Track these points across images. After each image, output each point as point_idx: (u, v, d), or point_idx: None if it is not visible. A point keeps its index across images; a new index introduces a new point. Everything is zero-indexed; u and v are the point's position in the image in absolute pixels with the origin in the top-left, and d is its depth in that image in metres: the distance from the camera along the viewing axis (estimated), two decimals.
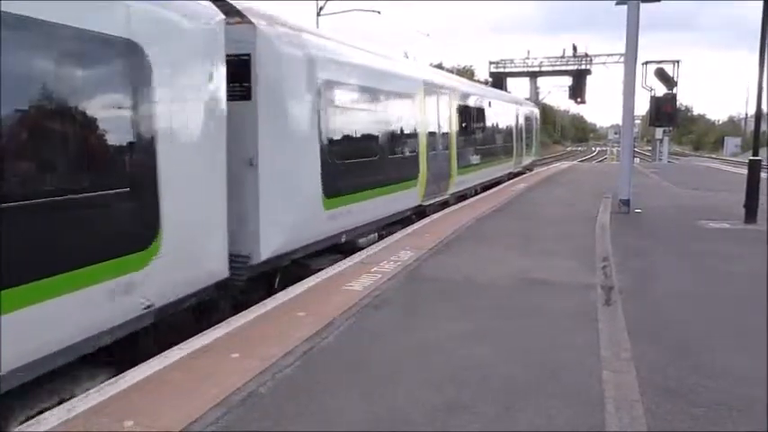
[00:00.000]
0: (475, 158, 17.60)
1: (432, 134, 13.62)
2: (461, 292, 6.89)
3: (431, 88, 13.76)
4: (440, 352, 5.01)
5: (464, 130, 16.44)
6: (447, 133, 14.91)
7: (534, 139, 29.22)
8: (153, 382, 4.39)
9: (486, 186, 19.18)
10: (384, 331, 5.54)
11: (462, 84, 18.55)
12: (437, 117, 14.15)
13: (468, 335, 5.44)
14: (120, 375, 4.55)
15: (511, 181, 22.62)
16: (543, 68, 66.46)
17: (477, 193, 17.80)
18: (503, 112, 21.85)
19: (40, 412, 4.15)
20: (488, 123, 19.29)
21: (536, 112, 30.26)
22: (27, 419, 4.13)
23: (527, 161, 27.05)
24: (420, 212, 13.13)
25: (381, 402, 4.09)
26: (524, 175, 25.38)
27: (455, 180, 15.65)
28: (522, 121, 25.43)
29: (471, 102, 17.50)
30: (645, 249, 9.42)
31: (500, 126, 21.32)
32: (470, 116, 17.06)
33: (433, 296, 6.69)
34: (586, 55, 61.60)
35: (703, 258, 8.84)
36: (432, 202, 13.68)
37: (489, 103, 19.50)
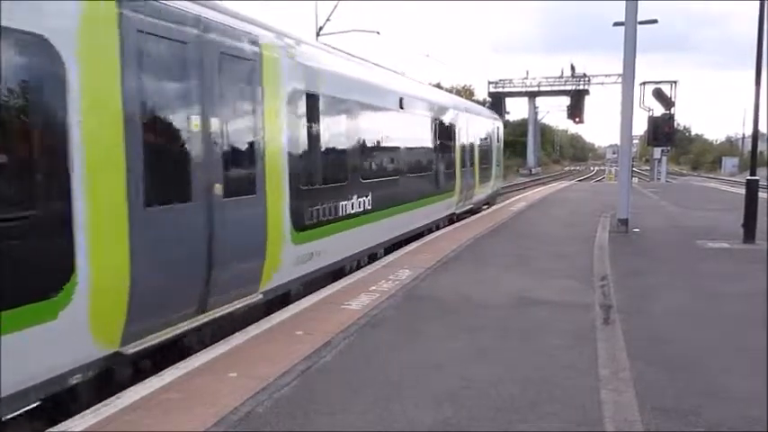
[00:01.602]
0: (345, 204, 8.96)
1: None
2: (459, 311, 6.88)
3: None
4: (438, 371, 5.00)
5: (318, 150, 8.14)
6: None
7: (494, 161, 21.46)
8: (151, 402, 4.37)
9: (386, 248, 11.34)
10: (382, 350, 5.52)
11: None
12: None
13: (466, 354, 5.43)
14: (117, 395, 4.53)
15: (508, 201, 22.65)
16: (542, 88, 67.03)
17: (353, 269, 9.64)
18: (428, 122, 13.69)
19: None
20: (395, 139, 11.43)
21: (499, 125, 22.90)
22: None
23: (482, 194, 19.52)
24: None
25: (379, 422, 4.07)
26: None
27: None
28: (472, 137, 17.68)
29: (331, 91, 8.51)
30: (643, 269, 9.42)
31: (426, 145, 13.55)
32: (338, 125, 8.91)
33: (431, 315, 6.68)
34: (584, 75, 62.20)
35: (702, 278, 8.84)
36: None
37: (400, 101, 11.66)
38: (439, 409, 4.25)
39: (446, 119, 15.11)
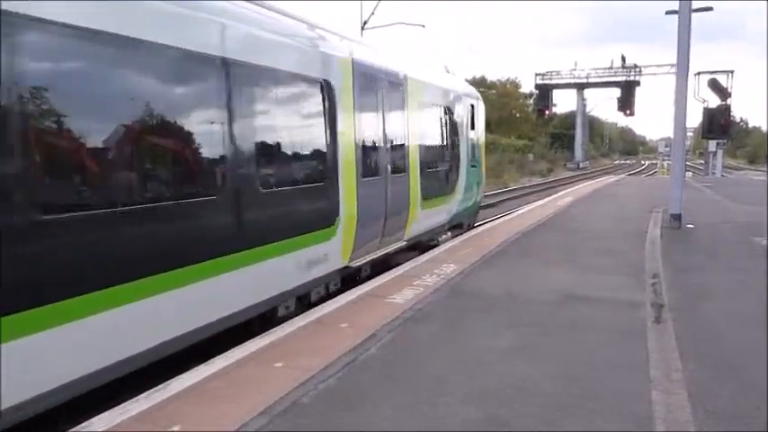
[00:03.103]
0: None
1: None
2: (504, 306, 6.81)
3: None
4: (481, 366, 4.96)
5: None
6: None
7: (463, 161, 12.85)
8: (198, 390, 4.47)
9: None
10: (426, 344, 5.52)
11: None
12: None
13: (511, 350, 5.37)
14: (167, 382, 4.65)
15: (555, 196, 22.26)
16: (591, 80, 65.51)
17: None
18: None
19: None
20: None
21: (474, 102, 13.95)
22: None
23: (436, 218, 11.44)
24: None
25: (422, 416, 4.06)
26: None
27: None
28: (433, 120, 11.54)
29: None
30: (697, 266, 9.13)
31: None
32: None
33: (476, 310, 6.63)
34: (635, 66, 60.44)
35: (758, 276, 8.50)
36: None
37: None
38: (483, 405, 4.21)
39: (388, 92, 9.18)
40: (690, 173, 42.13)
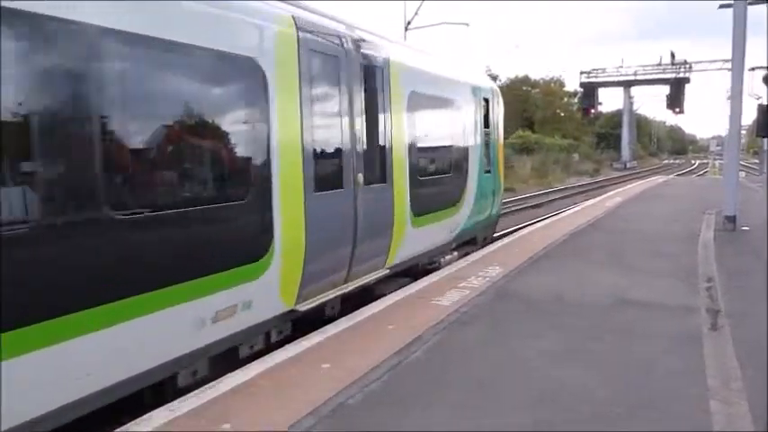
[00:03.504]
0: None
1: None
2: (552, 310, 6.68)
3: None
4: (530, 371, 4.87)
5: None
6: None
7: (477, 167, 10.87)
8: (249, 388, 4.52)
9: None
10: (473, 348, 5.45)
11: None
12: None
13: (560, 355, 5.26)
14: (219, 380, 4.73)
15: (603, 196, 21.79)
16: (638, 77, 63.90)
17: None
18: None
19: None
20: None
21: (488, 95, 11.61)
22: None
23: (445, 234, 9.69)
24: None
25: (470, 421, 4.01)
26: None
27: None
28: (429, 116, 9.18)
29: None
30: (754, 270, 8.78)
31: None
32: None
33: (523, 314, 6.53)
34: (685, 62, 58.64)
35: None
36: None
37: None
38: (531, 410, 4.13)
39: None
40: (743, 173, 40.63)
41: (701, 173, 56.86)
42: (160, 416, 4.10)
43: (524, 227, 15.70)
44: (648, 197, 21.34)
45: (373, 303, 6.96)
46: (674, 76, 57.17)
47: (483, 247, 11.28)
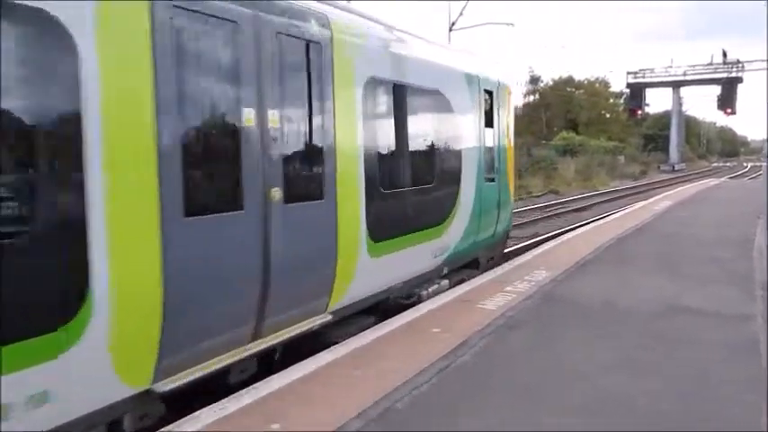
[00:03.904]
0: None
1: None
2: (601, 316, 6.56)
3: None
4: (580, 378, 4.79)
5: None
6: None
7: (475, 175, 8.95)
8: (296, 390, 4.58)
9: None
10: (520, 353, 5.39)
11: None
12: None
13: (610, 362, 5.15)
14: (267, 380, 4.80)
15: (651, 200, 21.26)
16: (687, 77, 62.17)
17: None
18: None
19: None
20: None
21: (495, 88, 9.73)
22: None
23: (425, 261, 7.74)
24: None
25: (517, 426, 3.97)
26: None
27: None
28: (397, 109, 7.05)
29: None
30: None
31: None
32: None
33: (571, 319, 6.42)
34: (738, 61, 56.75)
35: None
36: None
37: None
38: (581, 419, 4.06)
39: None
40: None
41: (754, 176, 54.92)
42: (208, 415, 4.18)
43: (569, 230, 15.46)
44: (699, 201, 20.73)
45: (417, 306, 6.96)
46: (725, 75, 55.48)
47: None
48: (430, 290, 7.68)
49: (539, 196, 29.60)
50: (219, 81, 4.64)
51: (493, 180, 9.57)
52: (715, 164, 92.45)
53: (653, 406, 4.28)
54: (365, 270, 6.26)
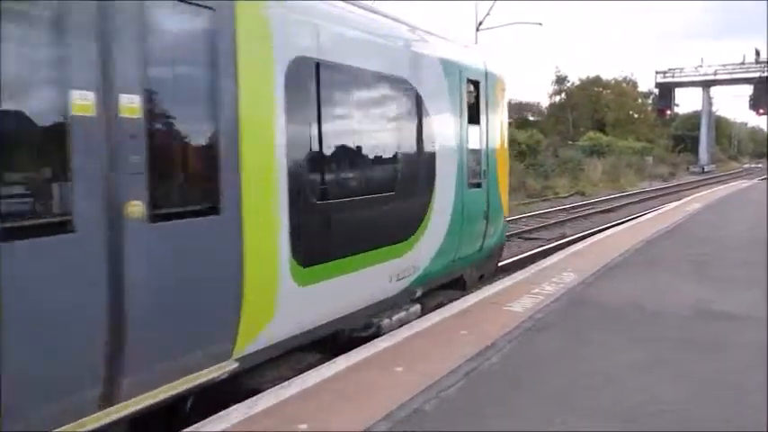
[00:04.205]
0: None
1: None
2: (631, 319, 6.45)
3: None
4: (609, 383, 4.71)
5: None
6: None
7: (455, 180, 7.55)
8: (324, 389, 4.58)
9: None
10: (549, 356, 5.33)
11: None
12: None
13: (641, 366, 5.06)
14: (293, 379, 4.81)
15: (681, 201, 20.87)
16: (718, 77, 61.01)
17: None
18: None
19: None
20: None
21: (482, 78, 8.28)
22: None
23: (382, 286, 6.37)
24: None
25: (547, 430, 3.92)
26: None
27: None
28: (342, 99, 5.81)
29: None
30: None
31: None
32: None
33: (600, 322, 6.33)
34: None
35: None
36: None
37: None
38: (613, 425, 4.00)
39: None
40: None
41: None
42: (238, 412, 4.21)
43: (596, 232, 15.28)
44: (730, 203, 20.30)
45: (444, 308, 6.93)
46: (758, 75, 54.29)
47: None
48: (394, 318, 6.49)
49: (565, 197, 29.30)
50: (35, 54, 3.39)
51: (479, 186, 8.12)
52: (746, 165, 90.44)
53: (686, 412, 4.19)
54: (291, 303, 4.88)
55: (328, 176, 5.48)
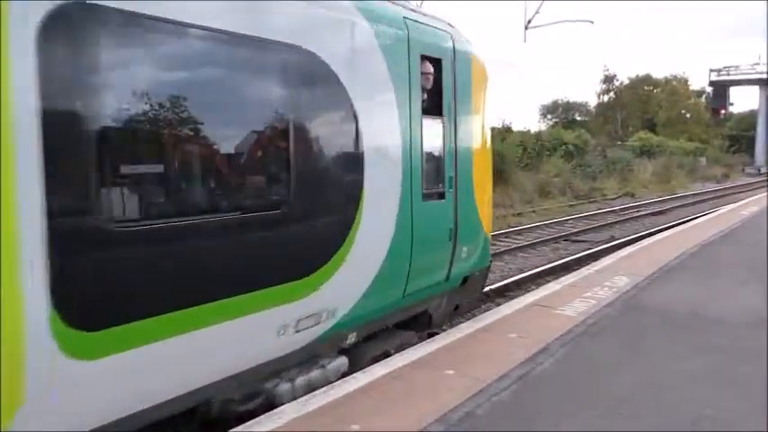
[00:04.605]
0: None
1: None
2: (688, 326, 6.24)
3: None
4: (668, 391, 4.57)
5: None
6: None
7: (404, 188, 5.50)
8: (375, 389, 4.58)
9: None
10: (603, 362, 5.20)
11: None
12: None
13: (700, 376, 4.90)
14: (343, 379, 4.83)
15: (736, 204, 20.11)
16: None
17: None
18: None
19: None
20: None
21: (449, 58, 6.19)
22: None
23: (263, 344, 4.42)
24: None
25: None
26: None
27: None
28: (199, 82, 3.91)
29: None
30: None
31: None
32: None
33: (656, 329, 6.15)
34: None
35: None
36: None
37: None
38: None
39: None
40: None
41: None
42: (291, 410, 4.25)
43: (647, 235, 14.89)
44: None
45: (492, 311, 6.85)
46: None
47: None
48: (299, 380, 4.79)
49: (613, 199, 28.67)
50: None
51: (441, 197, 6.11)
52: None
53: (745, 425, 4.03)
54: (57, 387, 3.12)
55: (140, 188, 3.60)
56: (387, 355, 5.66)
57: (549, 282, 9.11)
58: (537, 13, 22.15)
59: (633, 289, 7.68)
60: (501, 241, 16.21)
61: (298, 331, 4.56)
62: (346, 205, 4.91)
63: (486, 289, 10.18)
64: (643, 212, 22.84)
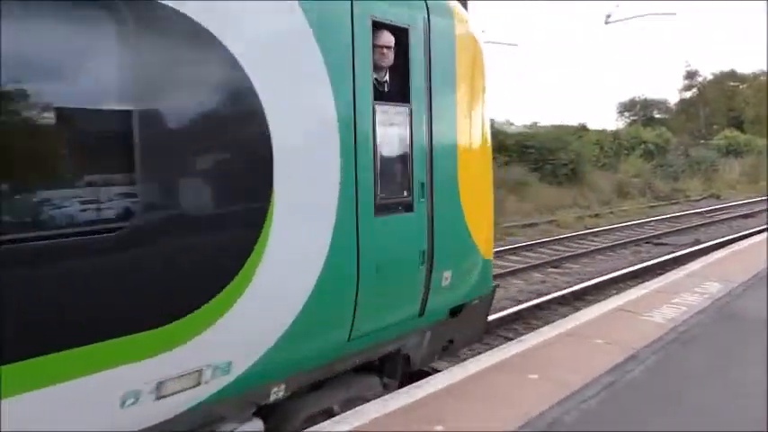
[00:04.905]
0: None
1: None
2: None
3: None
4: (764, 405, 4.28)
5: None
6: None
7: (334, 212, 4.02)
8: (455, 391, 4.52)
9: None
10: (697, 372, 4.95)
11: None
12: None
13: None
14: (425, 380, 4.80)
15: None
16: None
17: None
18: None
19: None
20: None
21: (412, 16, 4.54)
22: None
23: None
24: None
25: None
26: None
27: None
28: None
29: None
30: None
31: None
32: None
33: (754, 339, 5.78)
34: None
35: None
36: None
37: None
38: None
39: None
40: None
41: None
42: (372, 409, 4.25)
43: (737, 239, 14.10)
44: None
45: (573, 315, 6.66)
46: None
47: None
48: None
49: (697, 200, 27.37)
50: None
51: (408, 209, 4.65)
52: None
53: None
54: None
55: None
56: (330, 413, 4.42)
57: (631, 286, 8.77)
58: (617, 6, 21.35)
59: (726, 296, 7.26)
60: (576, 243, 15.79)
61: (161, 397, 3.23)
62: (241, 221, 3.53)
63: (565, 291, 9.96)
64: (730, 215, 21.66)
